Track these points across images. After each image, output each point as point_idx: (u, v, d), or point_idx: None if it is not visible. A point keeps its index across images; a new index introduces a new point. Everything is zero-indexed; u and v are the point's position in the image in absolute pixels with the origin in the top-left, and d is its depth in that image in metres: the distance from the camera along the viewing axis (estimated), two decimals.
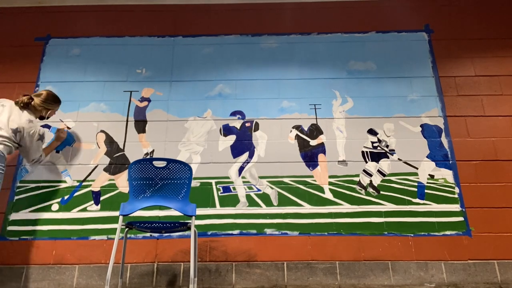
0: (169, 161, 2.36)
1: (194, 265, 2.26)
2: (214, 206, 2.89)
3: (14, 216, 2.86)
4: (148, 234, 2.79)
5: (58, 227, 2.82)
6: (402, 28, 3.44)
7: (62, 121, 3.14)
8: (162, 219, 2.84)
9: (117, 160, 3.02)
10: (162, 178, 2.36)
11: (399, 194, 2.91)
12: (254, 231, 2.82)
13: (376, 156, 3.03)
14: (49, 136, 3.08)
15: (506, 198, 2.86)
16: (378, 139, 3.07)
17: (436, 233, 2.78)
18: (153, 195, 2.34)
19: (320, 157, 3.03)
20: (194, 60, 3.35)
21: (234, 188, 2.95)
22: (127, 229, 2.36)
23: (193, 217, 2.26)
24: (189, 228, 2.28)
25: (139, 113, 3.17)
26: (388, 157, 3.02)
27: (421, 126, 3.10)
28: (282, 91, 3.23)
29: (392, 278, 2.66)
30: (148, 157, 3.02)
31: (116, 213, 2.82)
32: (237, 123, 3.14)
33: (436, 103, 3.16)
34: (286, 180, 2.96)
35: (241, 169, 3.00)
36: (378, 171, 2.98)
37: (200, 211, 2.86)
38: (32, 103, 2.61)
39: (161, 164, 2.35)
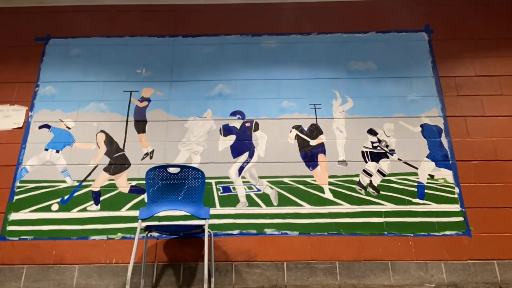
0: (182, 167, 2.50)
1: (209, 265, 2.44)
2: (214, 206, 2.89)
3: (14, 216, 2.86)
4: (148, 235, 2.79)
5: (58, 227, 2.82)
6: (402, 28, 3.44)
7: (62, 121, 3.14)
8: (162, 219, 2.84)
9: (117, 160, 3.02)
10: (177, 183, 2.50)
11: (399, 194, 2.91)
12: (254, 231, 2.82)
13: (376, 156, 3.03)
14: (50, 136, 3.08)
15: (506, 198, 2.86)
16: (378, 139, 3.07)
17: (436, 233, 2.78)
18: (168, 199, 2.48)
19: (320, 157, 3.03)
20: (194, 60, 3.36)
21: (234, 188, 2.95)
22: (147, 232, 2.55)
23: (207, 220, 2.40)
24: (203, 231, 2.45)
25: (139, 113, 3.17)
26: (388, 157, 3.02)
27: (421, 126, 3.10)
28: (282, 91, 3.23)
29: (392, 278, 2.66)
30: (148, 157, 3.03)
31: (116, 213, 2.83)
32: (237, 123, 3.14)
33: (436, 103, 3.16)
34: (286, 180, 2.96)
35: (241, 169, 3.00)
36: (378, 171, 2.98)
37: None
38: None
39: (175, 170, 2.49)
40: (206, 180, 2.95)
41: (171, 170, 2.48)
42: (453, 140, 3.04)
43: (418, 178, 2.95)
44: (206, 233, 2.33)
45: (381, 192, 2.92)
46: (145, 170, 2.96)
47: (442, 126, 3.09)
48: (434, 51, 3.34)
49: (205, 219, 2.40)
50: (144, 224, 2.43)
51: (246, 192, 2.94)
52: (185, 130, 3.12)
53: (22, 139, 3.08)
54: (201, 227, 2.42)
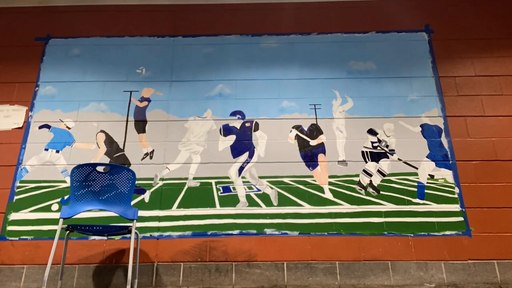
0: (112, 166, 2.40)
1: (133, 267, 2.36)
2: (214, 206, 2.89)
3: (14, 216, 2.86)
4: (148, 234, 2.79)
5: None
6: (402, 28, 3.44)
7: (62, 121, 3.14)
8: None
9: (117, 160, 3.02)
10: (105, 182, 2.39)
11: (399, 194, 2.91)
12: (254, 231, 2.82)
13: (376, 156, 3.03)
14: (50, 136, 3.08)
15: (506, 198, 2.86)
16: (378, 139, 3.07)
17: (436, 233, 2.78)
18: (95, 199, 2.37)
19: (320, 157, 3.03)
20: (194, 60, 3.36)
21: (234, 188, 2.95)
22: (68, 231, 2.40)
23: (134, 221, 2.33)
24: (130, 232, 2.35)
25: (139, 113, 3.17)
26: (388, 157, 3.02)
27: (421, 126, 3.10)
28: (282, 91, 3.23)
29: (392, 278, 2.66)
30: (148, 157, 3.03)
31: (111, 214, 2.81)
32: (237, 123, 3.14)
33: (436, 103, 3.16)
34: (286, 180, 2.96)
35: (241, 169, 3.00)
36: (378, 171, 2.98)
37: (200, 211, 2.86)
38: None
39: (104, 169, 2.39)
40: (206, 180, 2.96)
41: (100, 169, 2.39)
42: (453, 140, 3.04)
43: (418, 178, 2.95)
44: (133, 235, 2.29)
45: (381, 192, 2.92)
46: (145, 170, 2.97)
47: (442, 126, 3.09)
48: (434, 51, 3.34)
49: (132, 220, 2.34)
50: (70, 224, 2.35)
51: (246, 192, 2.94)
52: (185, 130, 3.12)
53: (22, 139, 3.08)
54: (127, 228, 2.39)
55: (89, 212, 2.85)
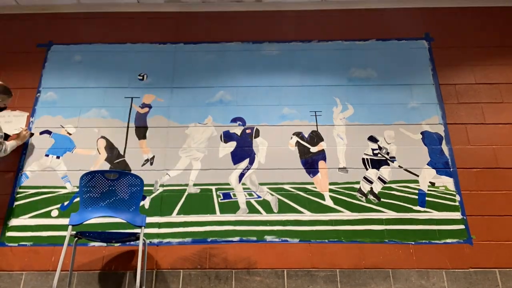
0: (120, 173, 2.43)
1: (141, 273, 2.37)
2: (214, 212, 2.88)
3: (13, 222, 2.86)
4: (148, 241, 2.78)
5: (58, 233, 2.81)
6: (403, 36, 3.46)
7: (63, 127, 3.14)
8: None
9: (117, 166, 3.02)
10: (114, 189, 2.40)
11: (400, 201, 2.90)
12: (254, 238, 2.81)
13: (376, 163, 3.02)
14: (50, 142, 3.09)
15: (507, 206, 2.85)
16: (379, 146, 3.07)
17: (437, 241, 2.77)
18: (104, 206, 2.38)
19: (321, 164, 3.02)
20: (195, 66, 3.37)
21: (234, 195, 2.94)
22: (76, 238, 2.41)
23: (142, 228, 2.35)
24: (138, 238, 2.36)
25: (140, 119, 3.17)
26: (388, 164, 3.02)
27: (422, 133, 3.10)
28: (282, 98, 3.24)
29: (393, 286, 2.64)
30: (149, 163, 3.03)
31: (116, 220, 2.80)
32: (237, 130, 3.15)
33: (436, 111, 3.16)
34: (286, 187, 2.96)
35: (241, 176, 3.00)
36: (379, 178, 2.97)
37: (200, 218, 2.85)
38: None
39: (113, 176, 2.41)
40: (206, 187, 2.95)
41: (108, 175, 2.40)
42: (453, 148, 3.04)
43: (419, 186, 2.94)
44: (141, 241, 2.29)
45: (382, 200, 2.91)
46: (146, 176, 2.96)
47: (442, 134, 3.09)
48: (434, 59, 3.35)
49: (140, 226, 2.35)
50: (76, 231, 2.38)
51: (246, 198, 2.93)
52: (186, 137, 3.12)
53: (23, 144, 3.08)
54: (135, 235, 2.40)
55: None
